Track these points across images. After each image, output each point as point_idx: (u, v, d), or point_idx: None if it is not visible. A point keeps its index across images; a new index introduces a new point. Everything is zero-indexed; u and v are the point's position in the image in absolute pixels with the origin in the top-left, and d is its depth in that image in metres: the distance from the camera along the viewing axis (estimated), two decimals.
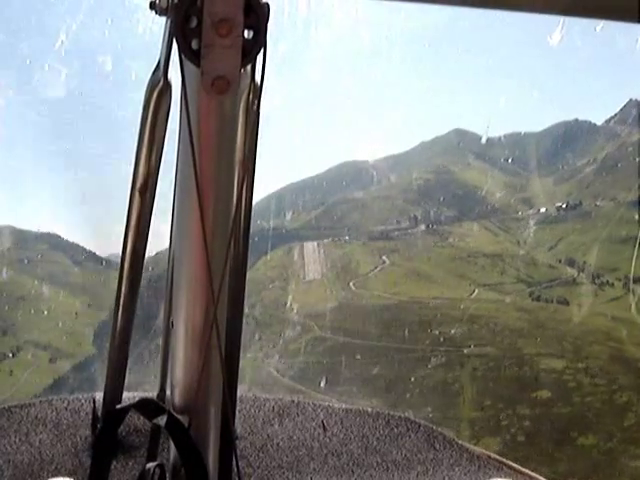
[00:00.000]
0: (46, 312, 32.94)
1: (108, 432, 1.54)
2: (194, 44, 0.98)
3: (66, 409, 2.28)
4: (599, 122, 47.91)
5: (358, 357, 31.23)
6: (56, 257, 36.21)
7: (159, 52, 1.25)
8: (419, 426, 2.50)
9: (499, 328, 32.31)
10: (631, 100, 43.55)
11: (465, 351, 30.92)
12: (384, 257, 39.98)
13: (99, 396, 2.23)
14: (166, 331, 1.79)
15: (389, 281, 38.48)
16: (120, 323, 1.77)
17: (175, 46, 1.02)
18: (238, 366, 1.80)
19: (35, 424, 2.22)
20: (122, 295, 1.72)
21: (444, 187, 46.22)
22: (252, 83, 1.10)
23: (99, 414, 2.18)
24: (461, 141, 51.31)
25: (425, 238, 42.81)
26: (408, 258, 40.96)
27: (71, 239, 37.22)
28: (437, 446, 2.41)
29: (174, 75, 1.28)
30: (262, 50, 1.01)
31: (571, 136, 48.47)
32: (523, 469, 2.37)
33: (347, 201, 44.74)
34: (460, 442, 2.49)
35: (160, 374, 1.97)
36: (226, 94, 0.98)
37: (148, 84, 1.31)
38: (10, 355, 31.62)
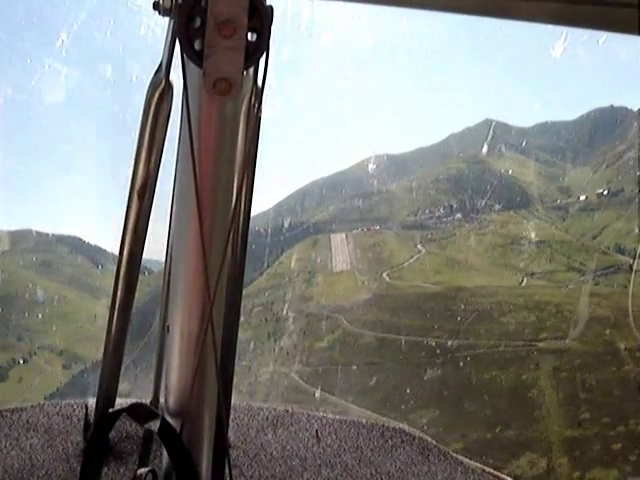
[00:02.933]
0: None
1: (100, 436, 1.53)
2: (197, 45, 0.92)
3: (58, 414, 2.11)
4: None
5: (400, 358, 25.25)
6: None
7: (161, 53, 1.19)
8: (414, 438, 2.29)
9: (575, 317, 25.98)
10: None
11: (540, 345, 24.53)
12: (419, 246, 34.98)
13: (91, 402, 2.07)
14: (161, 336, 1.70)
15: (427, 270, 32.90)
16: (115, 327, 1.59)
17: (177, 47, 0.99)
18: (233, 373, 1.61)
19: (26, 429, 2.06)
20: (118, 299, 1.55)
21: (478, 177, 42.27)
22: (254, 86, 1.05)
23: (91, 420, 2.01)
24: (492, 131, 47.62)
25: (462, 226, 37.81)
26: (445, 247, 35.55)
27: None
28: (431, 459, 2.21)
29: (175, 77, 1.22)
30: (265, 53, 0.95)
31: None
32: None
33: (378, 193, 42.11)
34: (455, 455, 2.24)
35: (154, 380, 1.82)
36: (228, 96, 0.93)
37: (149, 85, 1.23)
38: None
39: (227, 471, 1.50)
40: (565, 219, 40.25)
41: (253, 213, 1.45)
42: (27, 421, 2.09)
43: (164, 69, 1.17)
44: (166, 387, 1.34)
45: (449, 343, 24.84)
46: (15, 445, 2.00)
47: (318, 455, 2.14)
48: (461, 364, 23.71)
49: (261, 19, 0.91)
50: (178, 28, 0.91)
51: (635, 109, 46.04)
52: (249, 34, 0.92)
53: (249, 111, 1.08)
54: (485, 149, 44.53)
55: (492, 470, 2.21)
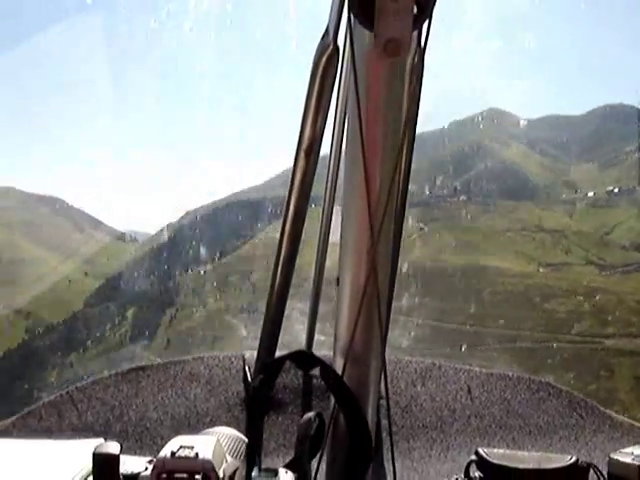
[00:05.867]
0: None
1: (266, 382, 1.46)
2: (365, 8, 0.92)
3: (217, 366, 2.16)
4: None
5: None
6: None
7: (327, 18, 1.22)
8: (560, 391, 2.23)
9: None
10: None
11: (607, 344, 19.90)
12: (421, 224, 30.99)
13: (248, 354, 2.16)
14: (314, 290, 1.82)
15: (430, 249, 29.02)
16: (279, 281, 1.64)
17: (344, 12, 1.01)
18: (389, 322, 1.62)
19: (189, 379, 2.12)
20: (282, 253, 1.58)
21: (480, 163, 38.60)
22: (417, 47, 1.02)
23: (248, 371, 2.09)
24: (496, 121, 44.13)
25: (468, 208, 33.69)
26: (451, 228, 31.23)
27: None
28: (579, 412, 2.16)
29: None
30: (429, 14, 0.95)
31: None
32: None
33: None
34: (602, 409, 2.18)
35: (307, 332, 1.94)
36: (397, 57, 0.94)
37: (317, 49, 1.25)
38: None
39: (383, 418, 1.60)
40: None
41: None
42: (190, 372, 2.15)
43: (332, 34, 1.20)
44: (335, 337, 1.34)
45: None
46: (180, 394, 2.07)
47: (467, 406, 2.15)
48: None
49: None
50: None
51: None
52: None
53: (412, 71, 1.04)
54: None
55: None
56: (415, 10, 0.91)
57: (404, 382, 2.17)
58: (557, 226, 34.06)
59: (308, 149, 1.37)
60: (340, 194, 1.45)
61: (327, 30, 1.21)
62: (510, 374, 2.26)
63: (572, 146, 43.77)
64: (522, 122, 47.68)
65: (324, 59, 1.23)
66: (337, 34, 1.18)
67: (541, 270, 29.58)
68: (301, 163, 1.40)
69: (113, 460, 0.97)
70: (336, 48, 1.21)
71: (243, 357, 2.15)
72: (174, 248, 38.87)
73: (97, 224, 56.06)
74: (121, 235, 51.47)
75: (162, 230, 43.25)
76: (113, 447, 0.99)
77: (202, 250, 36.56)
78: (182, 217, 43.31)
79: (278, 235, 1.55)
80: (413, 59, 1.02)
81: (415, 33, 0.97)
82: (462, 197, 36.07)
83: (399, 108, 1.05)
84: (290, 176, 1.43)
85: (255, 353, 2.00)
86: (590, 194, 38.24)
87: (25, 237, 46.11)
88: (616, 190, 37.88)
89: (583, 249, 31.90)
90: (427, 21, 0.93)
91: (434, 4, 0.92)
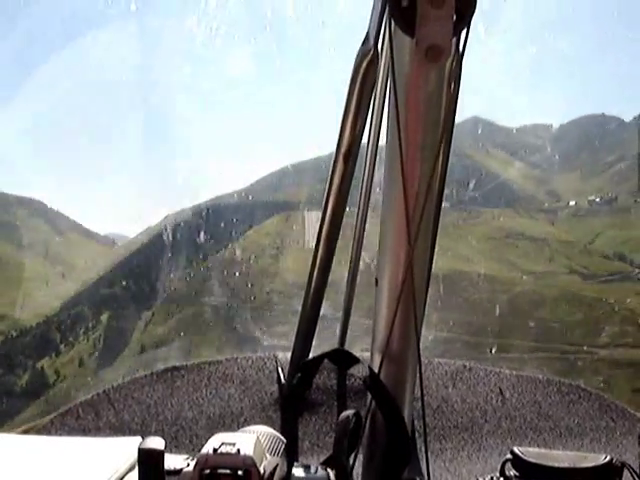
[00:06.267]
0: None
1: (305, 379, 1.58)
2: (406, 15, 0.95)
3: (251, 367, 2.22)
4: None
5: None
6: None
7: (368, 24, 1.24)
8: (590, 394, 2.26)
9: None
10: None
11: (602, 354, 19.32)
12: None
13: (281, 355, 2.21)
14: (348, 290, 1.87)
15: None
16: (315, 282, 1.67)
17: (385, 18, 1.07)
18: (422, 320, 1.57)
19: (223, 379, 2.19)
20: (319, 254, 1.61)
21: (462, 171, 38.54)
22: (456, 52, 1.05)
23: (281, 372, 2.13)
24: (480, 130, 44.16)
25: (451, 214, 33.51)
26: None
27: None
28: (610, 414, 2.18)
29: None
30: (468, 21, 0.99)
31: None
32: None
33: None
34: (633, 412, 2.22)
35: (340, 331, 2.00)
36: (437, 63, 0.97)
37: (357, 54, 1.26)
38: None
39: (421, 418, 1.58)
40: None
41: None
42: (223, 372, 2.16)
43: (372, 40, 1.20)
44: (372, 335, 1.33)
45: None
46: (215, 394, 2.09)
47: (498, 408, 2.11)
48: None
49: None
50: (390, 1, 0.94)
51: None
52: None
53: (450, 77, 1.08)
54: None
55: None
56: (454, 17, 0.94)
57: (435, 383, 2.17)
58: (540, 234, 33.81)
59: (347, 153, 1.36)
60: (374, 197, 1.56)
61: (367, 36, 1.22)
62: (540, 377, 2.26)
63: (554, 155, 43.82)
64: (505, 130, 47.62)
65: (364, 64, 1.22)
66: (377, 40, 1.20)
67: (524, 278, 29.11)
68: (339, 167, 1.39)
69: (158, 455, 0.99)
70: (377, 54, 1.22)
71: (276, 358, 2.16)
72: (152, 251, 38.41)
73: (76, 226, 55.40)
74: (100, 237, 51.27)
75: (141, 233, 42.11)
76: (158, 442, 1.01)
77: (179, 253, 36.21)
78: (162, 220, 43.05)
79: (315, 238, 1.53)
80: (451, 64, 1.04)
81: (454, 39, 0.99)
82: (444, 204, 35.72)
83: (437, 112, 1.07)
84: (328, 180, 1.43)
85: (287, 354, 2.03)
86: (572, 203, 37.98)
87: (1, 239, 45.57)
88: (597, 200, 37.47)
89: (567, 258, 31.64)
90: (466, 28, 0.97)
91: (474, 11, 0.95)
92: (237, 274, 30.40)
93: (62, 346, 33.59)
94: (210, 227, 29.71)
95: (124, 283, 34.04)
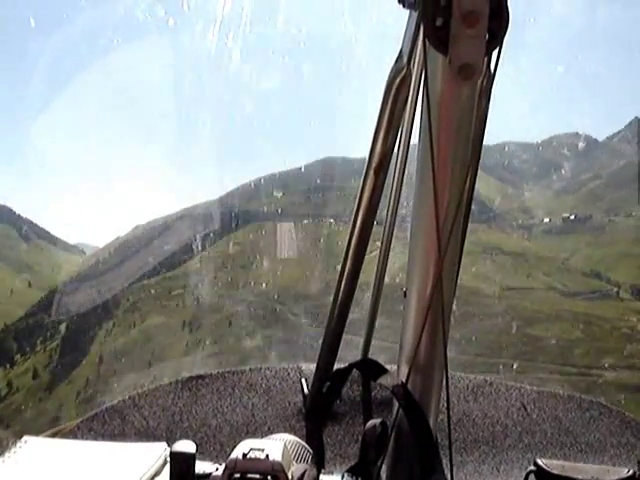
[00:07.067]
0: None
1: (333, 389, 1.56)
2: (440, 34, 0.98)
3: (274, 377, 2.21)
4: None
5: None
6: None
7: (401, 42, 1.27)
8: (611, 411, 2.23)
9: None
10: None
11: (607, 377, 18.46)
12: (377, 243, 29.70)
13: (304, 366, 2.21)
14: (373, 301, 1.90)
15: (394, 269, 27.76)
16: (342, 294, 1.67)
17: (420, 37, 1.12)
18: (448, 331, 1.52)
19: (247, 389, 2.17)
20: (347, 267, 1.62)
21: None
22: (487, 71, 1.07)
23: (304, 382, 2.13)
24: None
25: None
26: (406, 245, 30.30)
27: None
28: (631, 431, 2.15)
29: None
30: (501, 40, 1.01)
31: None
32: None
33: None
34: None
35: (363, 341, 2.01)
36: (469, 81, 1.00)
37: (391, 70, 1.29)
38: None
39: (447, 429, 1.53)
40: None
41: None
42: (247, 382, 2.17)
43: (405, 57, 1.23)
44: (400, 345, 1.36)
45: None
46: (239, 403, 2.09)
47: (519, 423, 2.14)
48: None
49: (501, 8, 0.96)
50: (425, 20, 0.96)
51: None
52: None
53: (480, 95, 1.10)
54: None
55: None
56: (487, 36, 0.95)
57: (456, 397, 2.18)
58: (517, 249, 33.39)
59: (378, 167, 1.38)
60: (402, 212, 1.58)
61: (400, 54, 1.25)
62: (561, 392, 2.27)
63: (528, 173, 43.84)
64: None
65: (397, 80, 1.25)
66: (411, 58, 1.22)
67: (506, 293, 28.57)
68: (370, 181, 1.42)
69: (190, 458, 1.03)
70: (410, 71, 1.25)
71: (300, 369, 2.20)
72: (120, 261, 37.99)
73: (45, 235, 54.50)
74: (69, 246, 50.76)
75: (110, 243, 42.23)
76: (189, 446, 1.04)
77: (147, 263, 35.87)
78: (131, 230, 43.03)
79: (344, 250, 1.55)
80: (482, 82, 1.05)
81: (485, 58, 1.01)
82: None
83: (467, 129, 1.09)
84: (358, 193, 1.44)
85: (311, 366, 2.08)
86: (546, 220, 37.83)
87: None
88: (572, 217, 37.66)
89: (545, 274, 31.24)
90: (498, 47, 0.98)
91: (506, 31, 0.96)
92: None
93: None
94: None
95: None
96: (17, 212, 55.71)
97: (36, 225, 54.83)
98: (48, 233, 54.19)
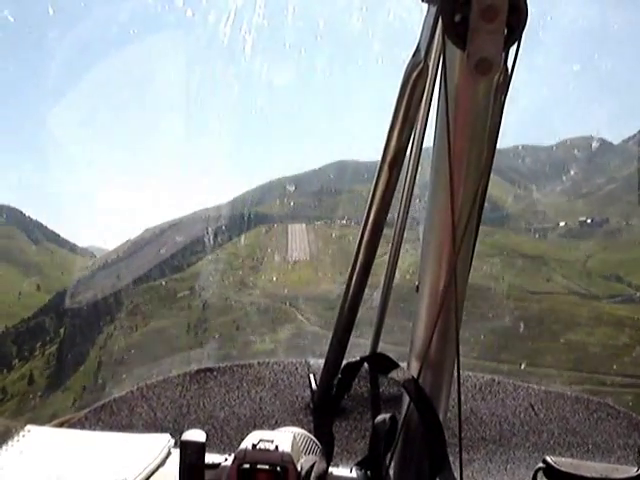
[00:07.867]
0: None
1: (344, 383, 1.48)
2: (458, 29, 0.98)
3: (282, 371, 2.23)
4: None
5: None
6: None
7: (418, 36, 1.27)
8: (619, 412, 2.23)
9: None
10: None
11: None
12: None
13: (312, 361, 2.22)
14: (382, 297, 1.84)
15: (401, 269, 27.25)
16: (353, 289, 1.65)
17: (438, 32, 1.11)
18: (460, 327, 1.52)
19: (255, 383, 2.18)
20: (358, 262, 1.60)
21: None
22: (504, 66, 1.06)
23: (312, 377, 2.10)
24: None
25: None
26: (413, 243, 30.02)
27: None
28: (638, 432, 2.15)
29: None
30: (520, 35, 1.00)
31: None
32: None
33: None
34: None
35: (372, 336, 1.93)
36: (487, 76, 1.00)
37: (408, 65, 1.28)
38: None
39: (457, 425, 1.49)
40: None
41: None
42: (255, 376, 2.17)
43: (423, 52, 1.22)
44: (411, 341, 1.34)
45: None
46: (246, 396, 2.09)
47: (526, 422, 2.13)
48: None
49: (519, 4, 0.95)
50: (444, 15, 0.96)
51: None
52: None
53: (497, 89, 1.08)
54: None
55: None
56: (505, 31, 0.95)
57: (464, 395, 2.14)
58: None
59: (392, 162, 1.38)
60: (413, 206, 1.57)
61: (418, 48, 1.24)
62: (568, 393, 2.28)
63: (542, 176, 43.03)
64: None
65: (414, 75, 1.24)
66: (428, 52, 1.21)
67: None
68: (384, 176, 1.41)
69: (200, 447, 1.03)
70: (427, 66, 1.24)
71: (308, 363, 2.20)
72: (130, 263, 37.85)
73: (54, 237, 54.36)
74: (79, 249, 50.80)
75: (120, 246, 42.64)
76: (200, 435, 1.04)
77: (156, 266, 35.82)
78: (141, 234, 43.14)
79: (355, 245, 1.54)
80: (499, 78, 1.04)
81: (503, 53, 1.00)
82: None
83: (484, 124, 1.08)
84: (372, 188, 1.43)
85: (319, 361, 2.10)
86: (562, 224, 37.15)
87: None
88: (589, 221, 36.93)
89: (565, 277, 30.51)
90: (516, 42, 0.97)
91: (524, 26, 0.95)
92: None
93: None
94: None
95: None
96: (27, 214, 55.54)
97: (46, 227, 54.73)
98: (58, 236, 54.00)
